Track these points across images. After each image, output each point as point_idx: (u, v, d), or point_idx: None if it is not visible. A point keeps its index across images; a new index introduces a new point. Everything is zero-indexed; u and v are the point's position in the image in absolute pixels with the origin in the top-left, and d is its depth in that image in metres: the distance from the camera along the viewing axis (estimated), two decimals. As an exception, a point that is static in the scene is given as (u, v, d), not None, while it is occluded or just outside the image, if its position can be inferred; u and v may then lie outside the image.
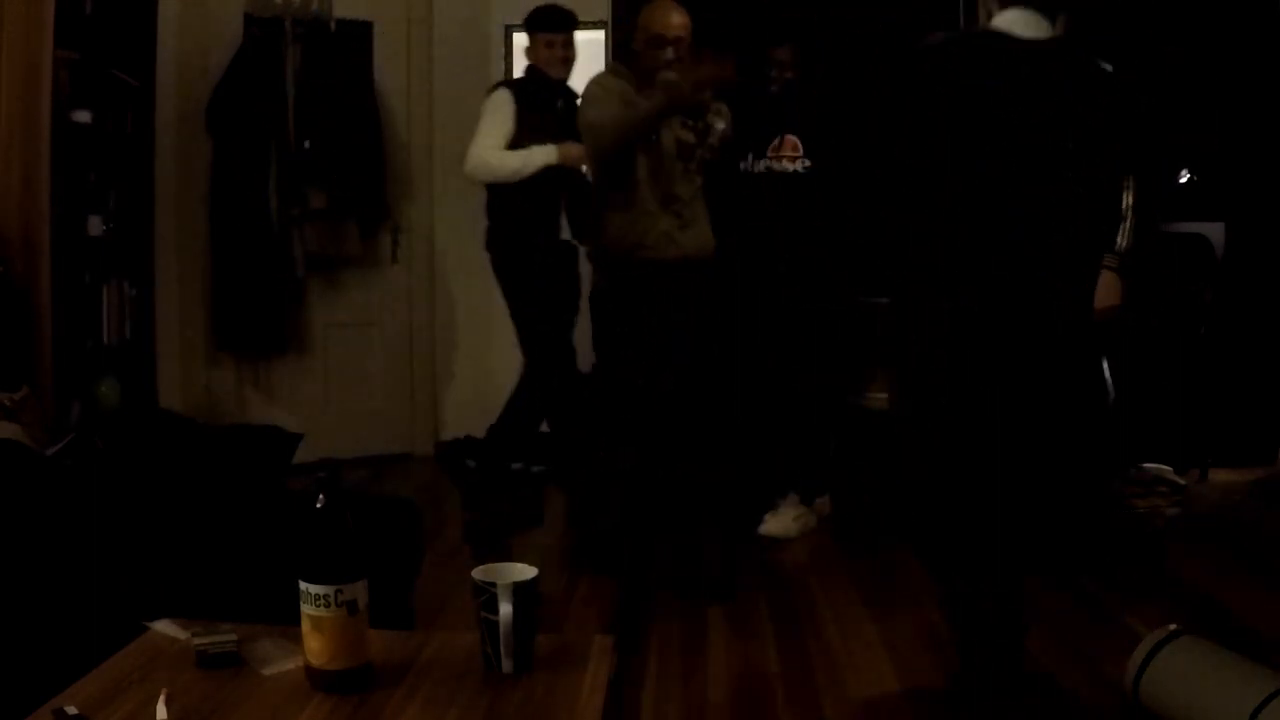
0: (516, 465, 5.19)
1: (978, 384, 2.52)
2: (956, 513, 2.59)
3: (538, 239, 4.23)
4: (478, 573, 1.54)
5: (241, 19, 4.82)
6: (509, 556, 3.17)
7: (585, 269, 4.08)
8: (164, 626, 1.65)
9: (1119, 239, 3.10)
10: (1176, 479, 3.66)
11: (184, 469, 2.38)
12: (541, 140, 4.06)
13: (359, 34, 5.00)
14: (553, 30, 4.15)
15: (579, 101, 3.84)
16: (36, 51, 3.57)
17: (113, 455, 2.46)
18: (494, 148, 4.06)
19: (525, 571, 1.54)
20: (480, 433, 5.38)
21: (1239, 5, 4.36)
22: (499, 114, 4.08)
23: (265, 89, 4.79)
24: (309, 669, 1.47)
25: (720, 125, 3.58)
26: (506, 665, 1.51)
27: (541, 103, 4.13)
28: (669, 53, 3.43)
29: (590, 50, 5.11)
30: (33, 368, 3.52)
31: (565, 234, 4.37)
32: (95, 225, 4.06)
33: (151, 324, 4.51)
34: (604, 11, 5.16)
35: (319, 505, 1.45)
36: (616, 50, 4.96)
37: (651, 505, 3.49)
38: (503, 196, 4.18)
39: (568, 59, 4.18)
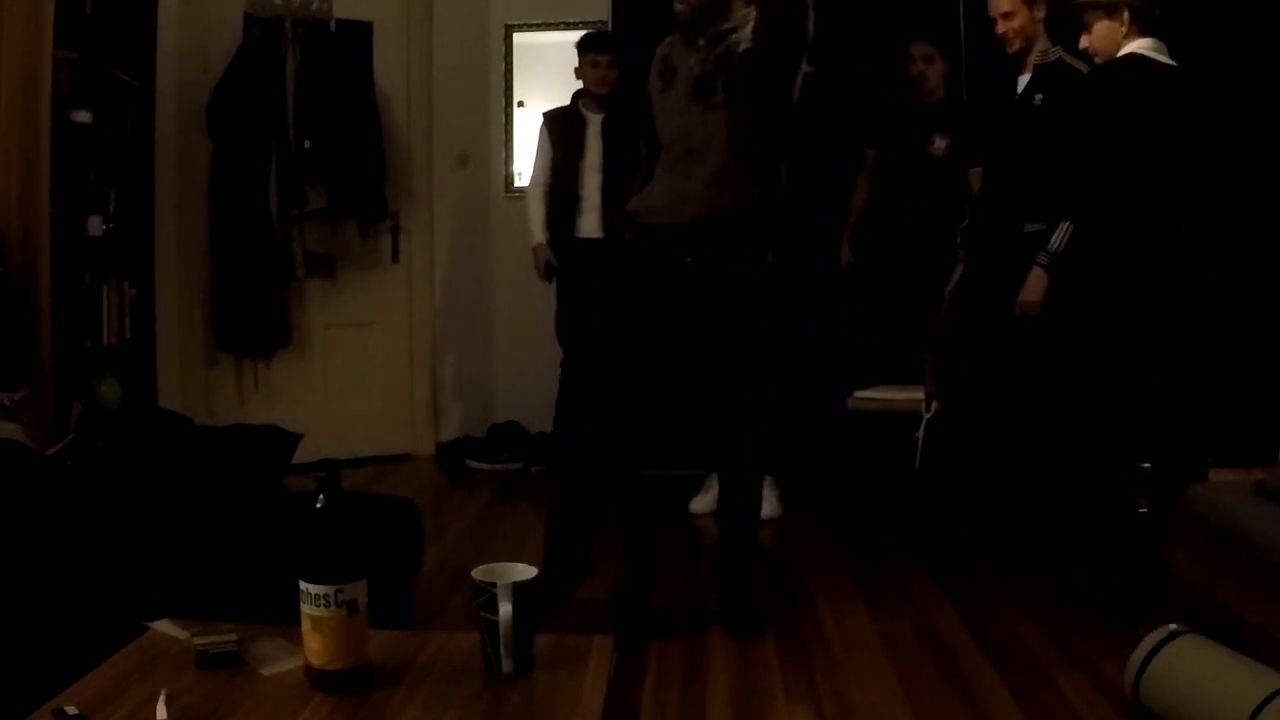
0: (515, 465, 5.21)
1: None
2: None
3: None
4: (478, 573, 1.54)
5: (241, 19, 4.82)
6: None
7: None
8: (164, 626, 1.65)
9: (1055, 240, 3.37)
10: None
11: (184, 469, 2.38)
12: (569, 161, 4.55)
13: (359, 34, 5.00)
14: (597, 51, 4.53)
15: None
16: (36, 51, 3.57)
17: (113, 455, 2.45)
18: (536, 183, 4.73)
19: (525, 571, 1.55)
20: (480, 433, 5.40)
21: (1237, 4, 4.36)
22: (538, 148, 4.72)
23: (265, 89, 4.79)
24: (309, 669, 1.47)
25: (744, 44, 2.98)
26: (506, 665, 1.51)
27: (572, 131, 4.58)
28: None
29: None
30: (33, 368, 3.52)
31: None
32: (95, 225, 4.06)
33: (151, 324, 4.51)
34: (604, 11, 5.17)
35: (319, 505, 1.45)
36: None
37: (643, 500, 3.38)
38: None
39: (609, 78, 4.52)
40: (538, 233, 4.67)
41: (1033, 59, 3.57)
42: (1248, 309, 4.34)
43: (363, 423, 5.28)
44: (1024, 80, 3.61)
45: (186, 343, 4.87)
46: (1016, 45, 3.57)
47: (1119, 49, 3.17)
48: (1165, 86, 3.10)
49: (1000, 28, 3.57)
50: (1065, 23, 3.50)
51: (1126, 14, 3.14)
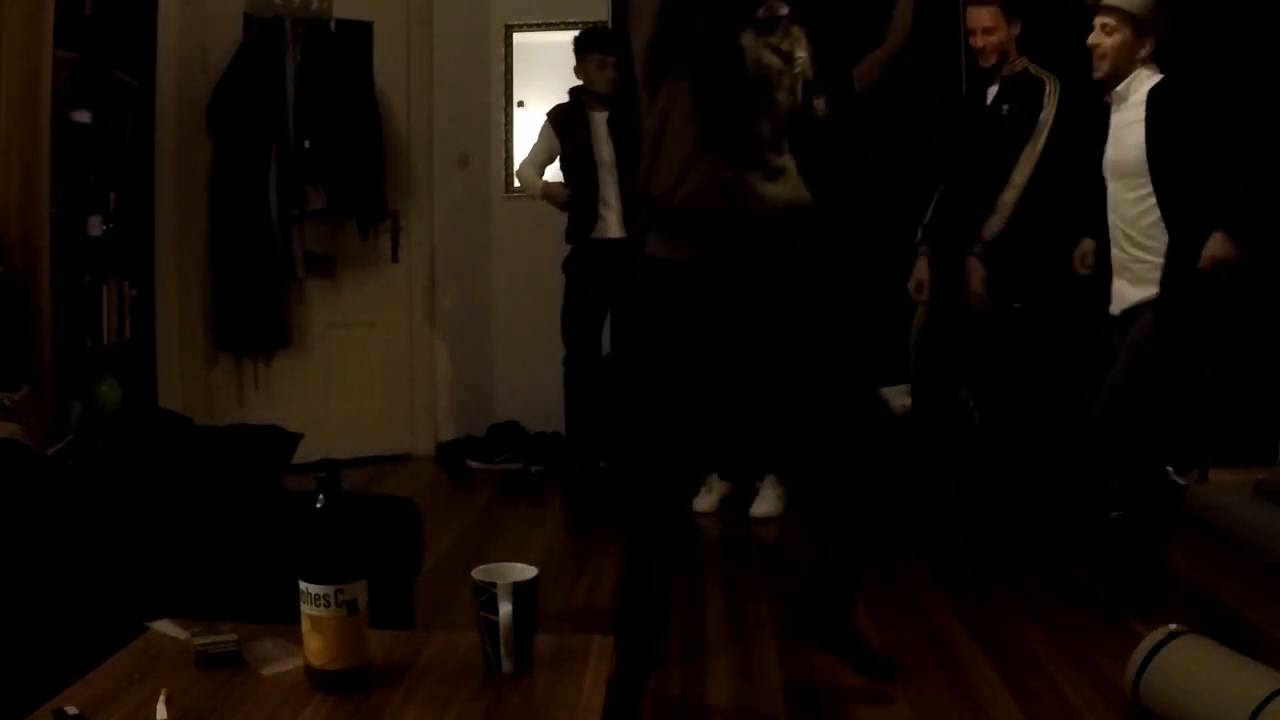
0: (515, 465, 5.21)
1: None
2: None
3: None
4: (478, 573, 1.54)
5: (241, 19, 4.82)
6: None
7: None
8: (164, 626, 1.65)
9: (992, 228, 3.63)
10: (1177, 479, 3.66)
11: (184, 469, 2.38)
12: (581, 158, 4.46)
13: (359, 34, 5.00)
14: (604, 51, 4.47)
15: None
16: (36, 51, 3.57)
17: (113, 455, 2.45)
18: (529, 164, 4.64)
19: (525, 571, 1.54)
20: (480, 433, 5.40)
21: (1236, 5, 4.36)
22: (539, 139, 4.66)
23: (265, 89, 4.79)
24: (309, 669, 1.47)
25: (801, 54, 2.69)
26: (506, 665, 1.51)
27: (579, 128, 4.48)
28: None
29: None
30: (33, 368, 3.52)
31: None
32: (95, 225, 4.06)
33: (151, 324, 4.51)
34: (604, 11, 5.17)
35: (319, 505, 1.45)
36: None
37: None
38: None
39: (615, 77, 4.46)
40: (539, 179, 4.58)
41: (1004, 70, 3.71)
42: (1248, 309, 4.33)
43: (363, 423, 5.28)
44: (993, 91, 3.74)
45: (186, 343, 4.87)
46: (992, 59, 3.69)
47: (1131, 67, 3.19)
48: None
49: (979, 41, 3.69)
50: (1033, 37, 3.72)
51: (1153, 40, 3.16)
